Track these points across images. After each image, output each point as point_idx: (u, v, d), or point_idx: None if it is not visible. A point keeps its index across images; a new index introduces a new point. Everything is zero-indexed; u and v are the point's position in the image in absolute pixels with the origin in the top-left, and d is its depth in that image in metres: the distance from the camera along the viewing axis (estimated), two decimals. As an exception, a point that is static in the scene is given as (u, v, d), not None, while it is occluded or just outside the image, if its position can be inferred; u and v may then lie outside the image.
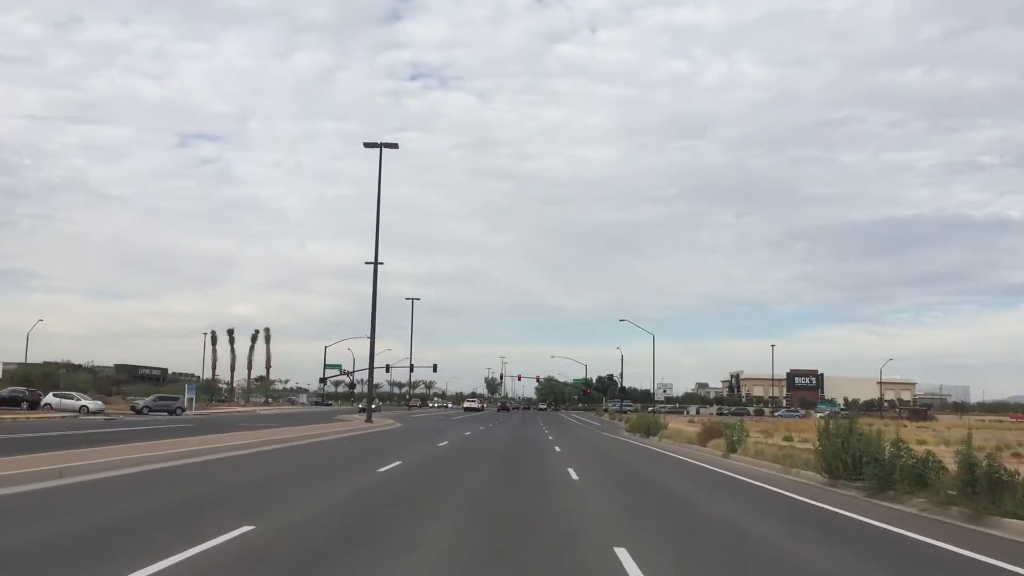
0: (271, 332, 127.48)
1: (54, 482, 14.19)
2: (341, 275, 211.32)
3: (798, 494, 16.87)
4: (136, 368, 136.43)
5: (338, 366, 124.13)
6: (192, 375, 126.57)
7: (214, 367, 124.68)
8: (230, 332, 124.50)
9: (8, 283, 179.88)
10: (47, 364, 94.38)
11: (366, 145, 51.80)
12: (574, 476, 19.51)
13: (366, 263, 53.38)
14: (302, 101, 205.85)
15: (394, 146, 52.03)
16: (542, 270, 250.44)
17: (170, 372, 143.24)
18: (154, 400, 64.93)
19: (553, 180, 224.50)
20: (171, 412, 61.67)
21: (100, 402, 61.14)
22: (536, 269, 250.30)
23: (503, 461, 24.14)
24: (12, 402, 59.21)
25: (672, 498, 15.60)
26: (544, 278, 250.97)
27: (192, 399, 76.70)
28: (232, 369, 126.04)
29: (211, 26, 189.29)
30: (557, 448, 32.21)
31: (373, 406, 48.31)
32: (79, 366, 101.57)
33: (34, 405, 58.86)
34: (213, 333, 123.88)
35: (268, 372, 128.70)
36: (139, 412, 59.11)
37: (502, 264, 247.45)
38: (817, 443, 19.55)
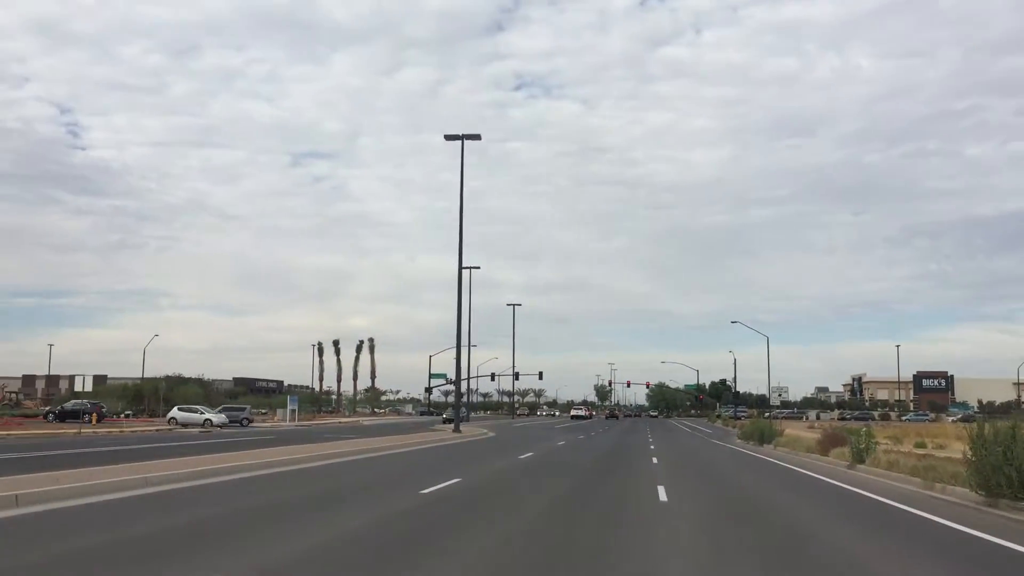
0: (379, 343, 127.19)
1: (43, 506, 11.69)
2: (451, 286, 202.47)
3: (949, 518, 13.03)
4: (253, 381, 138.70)
5: (443, 375, 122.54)
6: (306, 387, 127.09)
7: (321, 378, 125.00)
8: (335, 343, 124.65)
9: (140, 302, 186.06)
10: (156, 379, 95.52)
11: (447, 137, 51.83)
12: (662, 497, 16.06)
13: (461, 269, 51.06)
14: (409, 116, 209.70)
15: (476, 137, 52.49)
16: (650, 276, 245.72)
17: (286, 384, 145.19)
18: (218, 412, 63.15)
19: (660, 184, 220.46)
20: (240, 424, 61.04)
21: (224, 415, 60.63)
22: (644, 275, 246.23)
23: (583, 477, 20.91)
24: (74, 415, 59.30)
25: (782, 529, 11.98)
26: (653, 284, 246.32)
27: (295, 410, 75.97)
28: (338, 380, 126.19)
29: (320, 48, 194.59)
30: (655, 460, 28.65)
31: (465, 415, 46.55)
32: (189, 379, 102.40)
33: (100, 418, 58.56)
34: (319, 345, 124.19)
35: (373, 382, 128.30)
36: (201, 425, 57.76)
37: (610, 271, 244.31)
38: (968, 452, 15.52)
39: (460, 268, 49.68)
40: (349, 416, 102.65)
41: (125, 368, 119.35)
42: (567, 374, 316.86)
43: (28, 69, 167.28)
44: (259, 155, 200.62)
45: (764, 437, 40.18)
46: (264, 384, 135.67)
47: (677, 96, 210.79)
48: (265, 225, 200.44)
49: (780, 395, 78.57)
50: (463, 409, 73.91)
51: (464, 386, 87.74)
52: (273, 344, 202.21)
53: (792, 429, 48.49)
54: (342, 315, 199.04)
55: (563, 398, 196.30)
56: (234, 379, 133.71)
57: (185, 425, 55.64)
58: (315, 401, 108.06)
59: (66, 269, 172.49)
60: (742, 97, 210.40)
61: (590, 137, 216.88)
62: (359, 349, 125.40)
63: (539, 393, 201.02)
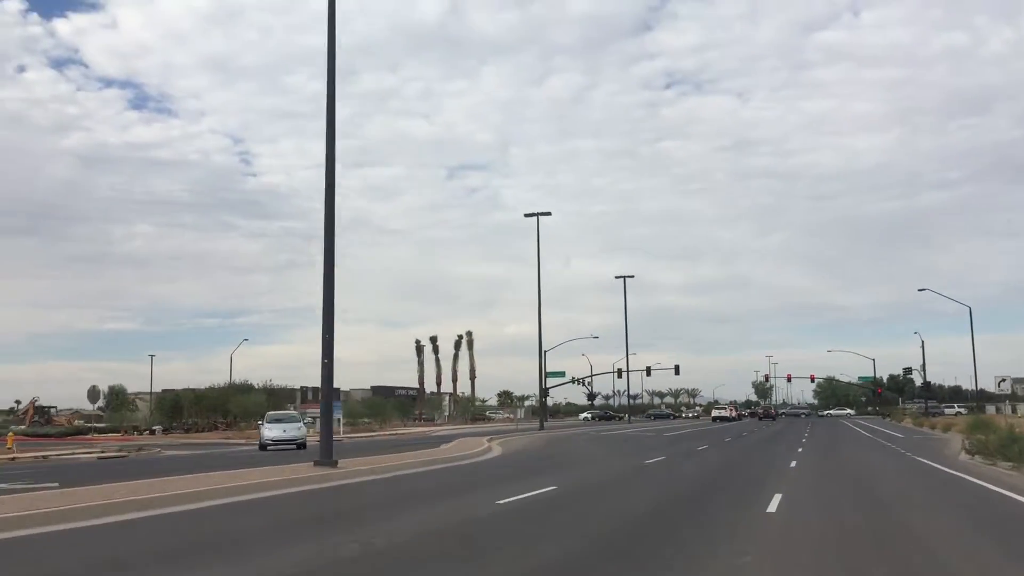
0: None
1: None
2: (606, 290, 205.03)
3: None
4: (392, 389, 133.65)
5: (561, 373, 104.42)
6: (432, 392, 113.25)
7: (421, 382, 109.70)
8: (432, 340, 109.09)
9: (308, 318, 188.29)
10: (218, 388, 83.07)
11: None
12: None
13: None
14: (559, 123, 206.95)
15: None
16: (814, 269, 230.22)
17: (427, 392, 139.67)
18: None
19: (821, 174, 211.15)
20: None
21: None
22: (808, 268, 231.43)
23: None
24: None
25: None
26: (817, 277, 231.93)
27: (339, 418, 61.87)
28: (437, 383, 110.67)
29: (470, 62, 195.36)
30: (772, 508, 10.13)
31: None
32: (252, 388, 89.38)
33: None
34: (417, 342, 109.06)
35: (473, 385, 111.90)
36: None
37: (771, 266, 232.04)
38: None
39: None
40: (440, 424, 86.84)
41: (300, 380, 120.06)
42: (725, 373, 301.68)
43: (203, 104, 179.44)
44: (416, 170, 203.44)
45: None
46: (403, 392, 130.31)
47: (836, 81, 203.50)
48: (424, 238, 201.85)
49: (1000, 383, 56.13)
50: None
51: (544, 394, 72.98)
52: (448, 355, 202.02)
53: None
54: (502, 323, 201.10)
55: (724, 397, 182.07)
56: (372, 388, 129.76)
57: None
58: (401, 408, 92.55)
59: (244, 290, 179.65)
60: (909, 77, 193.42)
61: (745, 130, 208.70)
62: (457, 346, 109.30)
63: (693, 393, 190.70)
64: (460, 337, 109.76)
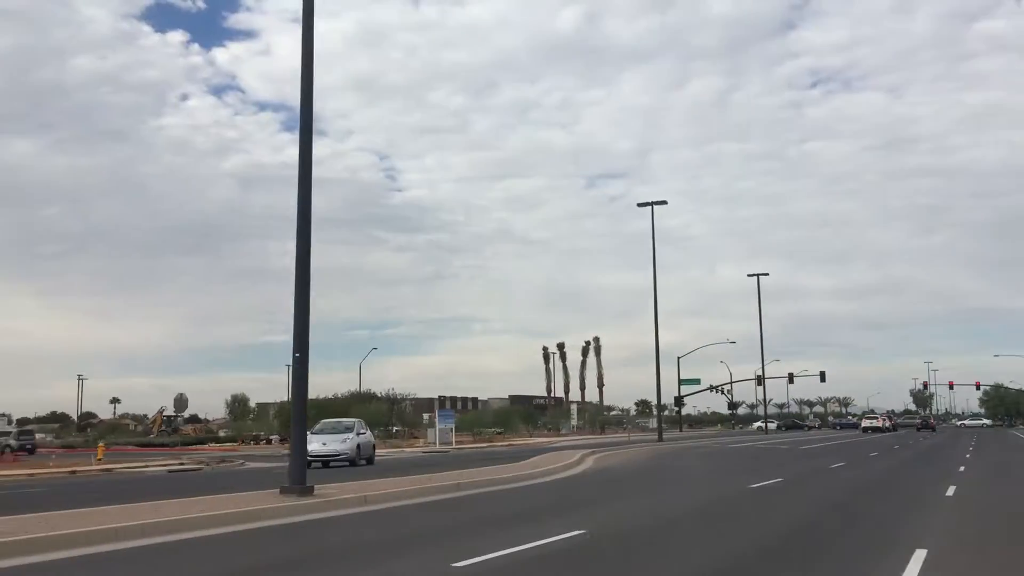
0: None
1: None
2: (752, 296, 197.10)
3: None
4: (530, 398, 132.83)
5: (696, 380, 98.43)
6: (583, 402, 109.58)
7: (549, 390, 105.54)
8: (560, 347, 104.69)
9: (455, 329, 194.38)
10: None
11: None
12: None
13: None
14: (700, 127, 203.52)
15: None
16: (980, 271, 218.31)
17: (566, 400, 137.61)
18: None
19: (986, 171, 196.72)
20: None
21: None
22: (972, 270, 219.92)
23: None
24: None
25: None
26: (983, 279, 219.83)
27: (450, 428, 59.25)
28: (566, 391, 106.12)
29: (609, 70, 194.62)
30: None
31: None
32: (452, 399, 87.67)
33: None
34: (545, 350, 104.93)
35: (601, 393, 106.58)
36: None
37: (931, 268, 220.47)
38: None
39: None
40: (565, 434, 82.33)
41: (446, 390, 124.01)
42: (881, 382, 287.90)
43: (351, 123, 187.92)
44: (556, 181, 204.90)
45: None
46: (541, 400, 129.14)
47: (1001, 72, 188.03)
48: (565, 248, 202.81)
49: None
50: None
51: (661, 401, 69.19)
52: (576, 363, 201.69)
53: None
54: (645, 331, 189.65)
55: (881, 406, 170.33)
56: (509, 397, 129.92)
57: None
58: (529, 417, 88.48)
59: (391, 302, 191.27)
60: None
61: (899, 127, 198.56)
62: (585, 352, 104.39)
63: (845, 401, 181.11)
64: (587, 344, 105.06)
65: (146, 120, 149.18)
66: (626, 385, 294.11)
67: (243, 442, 71.09)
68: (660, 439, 53.03)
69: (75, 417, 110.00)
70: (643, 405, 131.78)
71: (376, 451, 36.64)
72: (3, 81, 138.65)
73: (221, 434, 78.46)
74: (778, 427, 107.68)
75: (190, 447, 63.35)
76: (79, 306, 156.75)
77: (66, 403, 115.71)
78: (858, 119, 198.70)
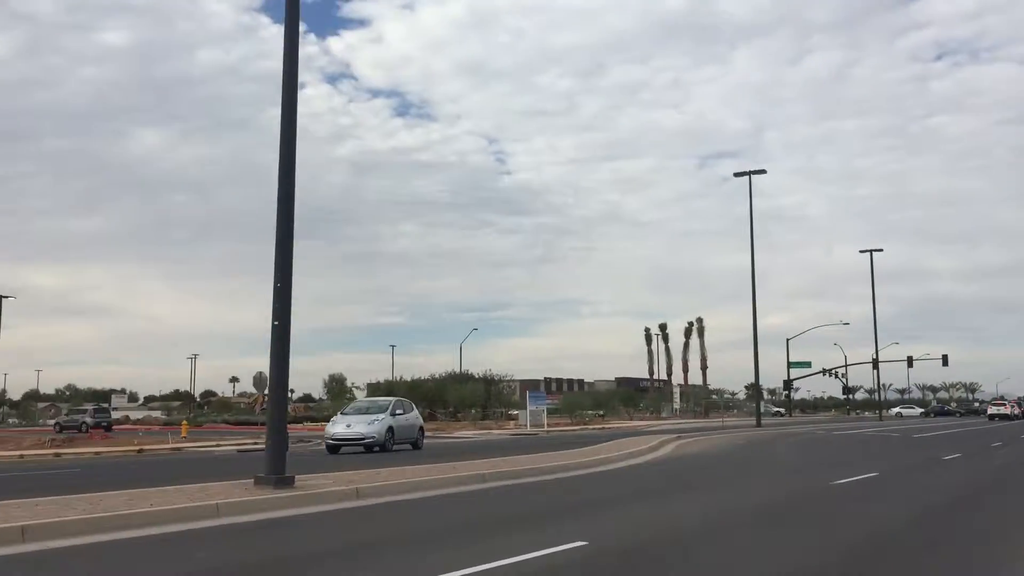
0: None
1: None
2: (876, 277, 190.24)
3: None
4: (637, 380, 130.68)
5: (807, 363, 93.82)
6: (686, 384, 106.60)
7: (651, 372, 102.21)
8: (662, 327, 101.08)
9: (563, 311, 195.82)
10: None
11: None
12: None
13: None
14: (817, 104, 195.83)
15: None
16: None
17: (674, 383, 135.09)
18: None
19: None
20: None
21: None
22: None
23: None
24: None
25: None
26: None
27: (541, 410, 57.02)
28: (668, 373, 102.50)
29: (721, 47, 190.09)
30: None
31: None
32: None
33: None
34: (647, 331, 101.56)
35: (704, 375, 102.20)
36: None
37: None
38: None
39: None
40: (666, 417, 79.34)
41: (553, 372, 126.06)
42: (1012, 369, 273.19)
43: (460, 107, 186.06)
44: (666, 161, 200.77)
45: None
46: (646, 383, 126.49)
47: None
48: (675, 229, 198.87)
49: None
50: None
51: (759, 381, 66.87)
52: (680, 345, 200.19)
53: None
54: (759, 313, 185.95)
55: (1014, 392, 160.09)
56: (616, 379, 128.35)
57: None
58: (628, 400, 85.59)
59: (500, 284, 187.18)
60: None
61: None
62: (687, 333, 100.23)
63: (972, 387, 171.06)
64: (690, 324, 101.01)
65: (265, 109, 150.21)
66: (736, 369, 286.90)
67: (337, 422, 70.92)
68: (758, 424, 49.64)
69: (194, 396, 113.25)
70: (753, 389, 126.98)
71: (440, 434, 34.79)
72: (133, 75, 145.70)
73: (315, 415, 78.55)
74: (924, 414, 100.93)
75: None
76: (204, 289, 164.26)
77: (184, 383, 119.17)
78: (987, 92, 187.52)
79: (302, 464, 18.15)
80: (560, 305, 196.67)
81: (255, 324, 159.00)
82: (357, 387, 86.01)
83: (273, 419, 13.34)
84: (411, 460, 20.37)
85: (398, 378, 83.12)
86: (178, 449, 32.88)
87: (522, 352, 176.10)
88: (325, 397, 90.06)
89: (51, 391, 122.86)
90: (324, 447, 27.35)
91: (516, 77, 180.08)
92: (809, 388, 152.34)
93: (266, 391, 71.26)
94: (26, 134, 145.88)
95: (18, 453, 29.78)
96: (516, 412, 68.22)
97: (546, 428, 53.72)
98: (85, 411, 60.17)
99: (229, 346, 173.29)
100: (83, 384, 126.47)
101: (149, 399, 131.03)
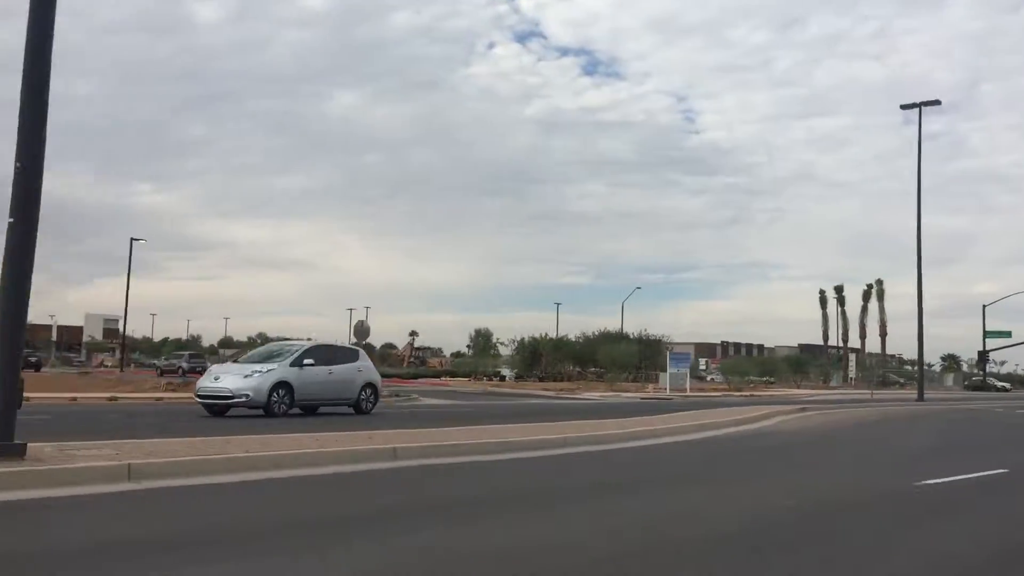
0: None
1: None
2: None
3: None
4: (822, 347, 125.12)
5: (1007, 333, 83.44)
6: (863, 352, 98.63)
7: (825, 338, 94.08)
8: (838, 290, 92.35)
9: (751, 274, 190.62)
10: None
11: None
12: None
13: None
14: None
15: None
16: None
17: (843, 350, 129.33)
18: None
19: None
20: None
21: None
22: None
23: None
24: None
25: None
26: None
27: (683, 373, 53.29)
28: (843, 340, 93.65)
29: None
30: None
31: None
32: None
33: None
34: (821, 293, 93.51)
35: (883, 343, 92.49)
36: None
37: None
38: None
39: None
40: (833, 386, 72.31)
41: (737, 337, 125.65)
42: None
43: (648, 65, 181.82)
44: (865, 118, 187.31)
45: None
46: (832, 350, 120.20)
47: None
48: (872, 190, 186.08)
49: None
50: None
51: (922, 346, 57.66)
52: (857, 309, 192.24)
53: None
54: (966, 281, 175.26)
55: None
56: (799, 345, 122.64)
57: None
58: (798, 367, 78.71)
59: (686, 246, 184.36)
60: None
61: None
62: (866, 297, 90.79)
63: None
64: (869, 288, 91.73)
65: (456, 69, 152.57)
66: (932, 338, 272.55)
67: (474, 377, 68.91)
68: (920, 399, 42.66)
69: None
70: (950, 360, 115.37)
71: (563, 395, 30.29)
72: (331, 38, 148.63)
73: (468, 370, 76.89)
74: None
75: (409, 380, 61.86)
76: (395, 246, 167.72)
77: (376, 336, 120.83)
78: None
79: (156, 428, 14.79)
80: (747, 268, 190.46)
81: (438, 280, 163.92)
82: (502, 343, 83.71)
83: (2, 368, 8.82)
84: (311, 427, 15.58)
85: (554, 336, 79.92)
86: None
87: (705, 315, 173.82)
88: (470, 352, 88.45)
89: (243, 339, 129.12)
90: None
91: (707, 32, 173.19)
92: (1017, 362, 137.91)
93: (410, 342, 69.89)
94: (234, 96, 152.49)
95: (108, 395, 27.90)
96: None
97: (688, 392, 49.48)
98: (182, 357, 63.17)
99: (413, 300, 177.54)
100: (273, 333, 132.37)
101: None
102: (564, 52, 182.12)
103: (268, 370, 19.55)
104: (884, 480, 11.18)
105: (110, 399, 26.53)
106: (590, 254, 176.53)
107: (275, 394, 19.20)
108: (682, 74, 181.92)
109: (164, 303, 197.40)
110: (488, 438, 13.02)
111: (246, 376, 19.42)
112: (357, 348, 23.89)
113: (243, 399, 19.08)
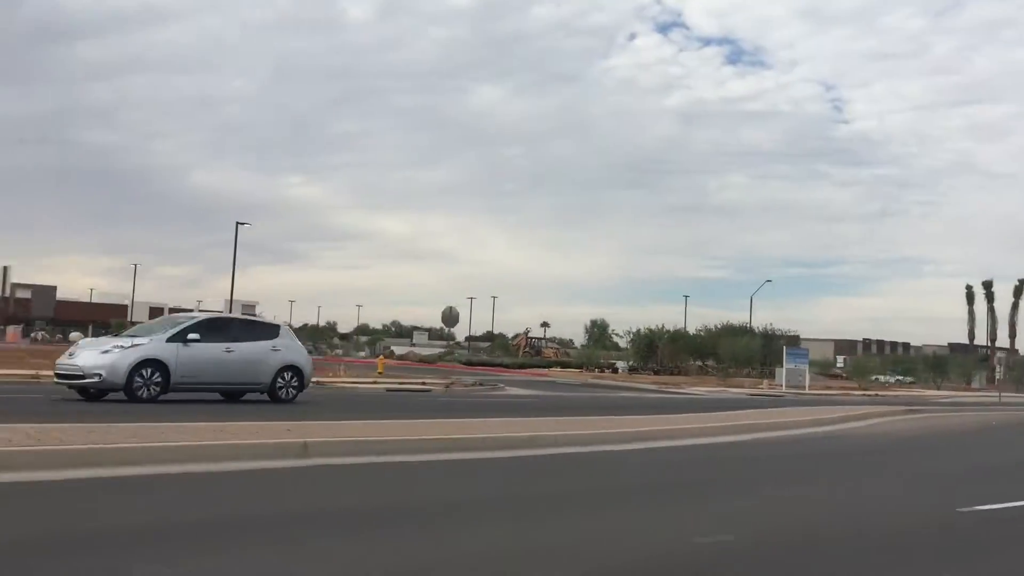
0: None
1: None
2: None
3: None
4: (975, 347, 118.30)
5: None
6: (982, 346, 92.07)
7: (971, 336, 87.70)
8: (987, 285, 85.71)
9: (900, 270, 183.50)
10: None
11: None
12: None
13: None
14: None
15: None
16: None
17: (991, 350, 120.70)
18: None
19: None
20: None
21: None
22: None
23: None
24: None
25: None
26: None
27: (801, 369, 50.86)
28: (991, 339, 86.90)
29: None
30: None
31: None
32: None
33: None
34: (968, 289, 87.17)
35: (1012, 341, 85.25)
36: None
37: None
38: None
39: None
40: (971, 388, 67.42)
41: (882, 334, 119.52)
42: None
43: (795, 53, 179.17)
44: None
45: None
46: (985, 349, 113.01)
47: None
48: None
49: None
50: None
51: None
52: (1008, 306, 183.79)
53: None
54: None
55: None
56: (949, 344, 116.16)
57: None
58: (936, 365, 73.51)
59: (831, 239, 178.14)
60: None
61: None
62: (1017, 293, 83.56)
63: None
64: (1021, 283, 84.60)
65: (595, 62, 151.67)
66: None
67: (585, 368, 67.35)
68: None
69: (471, 337, 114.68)
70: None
71: (667, 388, 28.51)
72: (473, 32, 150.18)
73: (568, 360, 75.27)
74: None
75: (515, 369, 61.12)
76: (534, 238, 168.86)
77: (510, 326, 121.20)
78: None
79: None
80: (898, 264, 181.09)
81: (576, 272, 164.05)
82: (617, 334, 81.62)
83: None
84: (182, 415, 12.59)
85: (680, 329, 77.25)
86: (341, 384, 29.99)
87: (848, 311, 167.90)
88: (587, 344, 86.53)
89: (378, 327, 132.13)
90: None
91: (859, 19, 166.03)
92: None
93: (525, 332, 69.46)
94: (379, 91, 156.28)
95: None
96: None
97: (805, 389, 47.09)
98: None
99: (549, 292, 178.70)
100: (406, 321, 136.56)
101: (471, 338, 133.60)
102: (707, 42, 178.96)
103: (132, 345, 16.24)
104: (929, 499, 9.09)
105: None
106: (729, 247, 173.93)
107: (139, 375, 15.79)
108: (831, 62, 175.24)
109: (304, 291, 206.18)
110: (435, 434, 11.27)
111: (103, 352, 16.15)
112: (278, 324, 20.35)
113: (95, 379, 15.75)
